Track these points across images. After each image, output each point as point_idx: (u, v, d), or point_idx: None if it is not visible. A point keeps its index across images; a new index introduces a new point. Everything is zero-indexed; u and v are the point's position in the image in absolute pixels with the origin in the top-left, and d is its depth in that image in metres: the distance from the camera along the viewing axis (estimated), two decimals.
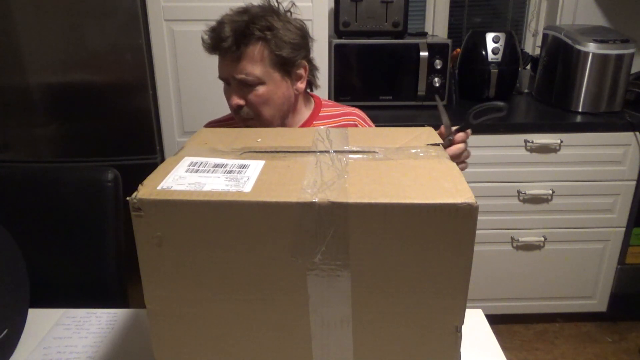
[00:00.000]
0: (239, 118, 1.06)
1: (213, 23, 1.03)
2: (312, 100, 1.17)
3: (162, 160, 1.79)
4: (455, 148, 0.91)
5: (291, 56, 1.02)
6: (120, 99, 1.84)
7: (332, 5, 2.00)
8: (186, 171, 0.58)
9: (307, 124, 1.12)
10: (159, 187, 0.54)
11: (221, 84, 1.06)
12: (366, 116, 1.18)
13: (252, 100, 1.01)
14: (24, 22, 1.75)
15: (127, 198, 0.52)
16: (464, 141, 0.92)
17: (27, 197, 1.22)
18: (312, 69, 1.12)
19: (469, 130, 0.93)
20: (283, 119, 1.08)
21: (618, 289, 2.06)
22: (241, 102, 1.02)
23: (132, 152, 1.89)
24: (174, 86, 1.89)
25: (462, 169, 0.92)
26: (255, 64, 0.99)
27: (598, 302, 2.09)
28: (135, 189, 0.54)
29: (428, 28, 2.42)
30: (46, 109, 1.85)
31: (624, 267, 2.03)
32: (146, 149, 1.90)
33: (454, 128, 0.92)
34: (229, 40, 0.96)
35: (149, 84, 1.84)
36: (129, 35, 1.77)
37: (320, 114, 1.13)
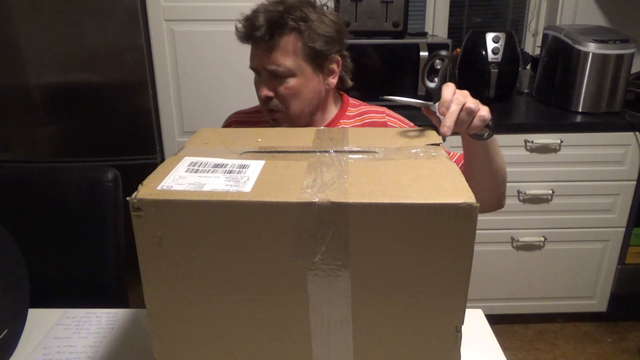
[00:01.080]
0: (266, 110, 1.04)
1: (248, 13, 1.01)
2: (341, 98, 1.14)
3: (162, 160, 1.79)
4: (457, 102, 0.78)
5: (324, 49, 0.99)
6: (120, 99, 1.84)
7: (332, 5, 2.00)
8: (186, 171, 0.58)
9: (334, 122, 1.10)
10: (159, 187, 0.54)
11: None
12: (393, 112, 1.14)
13: (282, 93, 0.99)
14: (24, 22, 1.75)
15: (127, 198, 0.52)
16: (453, 93, 0.79)
17: (27, 197, 1.22)
18: (346, 65, 1.09)
19: (449, 85, 0.80)
20: (312, 115, 1.05)
21: (618, 289, 2.06)
22: (270, 93, 1.00)
23: (132, 152, 1.89)
24: (174, 86, 1.89)
25: (485, 119, 0.80)
26: (288, 55, 0.97)
27: (598, 302, 2.09)
28: (135, 189, 0.54)
29: (428, 28, 2.42)
30: (46, 109, 1.85)
31: (624, 267, 2.03)
32: (146, 149, 1.90)
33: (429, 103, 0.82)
34: (263, 29, 0.95)
35: (149, 84, 1.84)
36: (129, 35, 1.77)
37: (347, 113, 1.11)
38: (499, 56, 2.02)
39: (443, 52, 0.80)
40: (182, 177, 0.56)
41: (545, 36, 2.10)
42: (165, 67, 1.87)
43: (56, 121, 1.86)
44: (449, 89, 0.79)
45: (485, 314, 0.97)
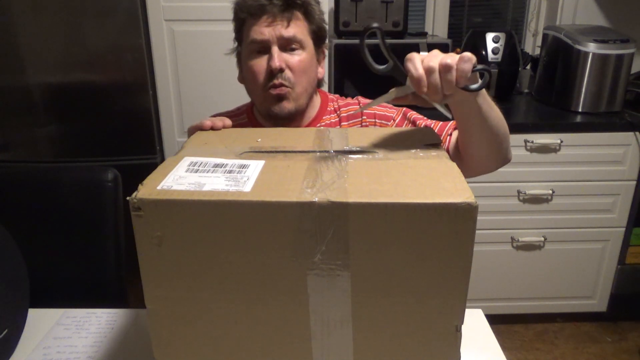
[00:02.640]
0: (270, 88, 0.99)
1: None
2: (318, 93, 1.15)
3: (162, 160, 1.79)
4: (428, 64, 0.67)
5: (323, 30, 1.04)
6: (120, 99, 1.84)
7: (332, 5, 2.00)
8: (186, 171, 0.58)
9: (318, 117, 1.10)
10: (159, 187, 0.54)
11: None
12: (367, 99, 1.15)
13: (294, 66, 0.99)
14: (24, 22, 1.75)
15: (127, 198, 0.52)
16: (421, 62, 0.68)
17: (27, 197, 1.22)
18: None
19: (412, 57, 0.68)
20: (308, 100, 1.05)
21: (618, 289, 2.06)
22: (283, 64, 0.99)
23: (132, 152, 1.89)
24: (174, 86, 1.89)
25: (470, 59, 0.68)
26: (301, 28, 1.00)
27: (598, 302, 2.09)
28: (135, 189, 0.54)
29: (428, 28, 2.42)
30: (46, 109, 1.85)
31: (624, 267, 2.03)
32: (146, 149, 1.90)
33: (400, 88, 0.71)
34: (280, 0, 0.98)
35: (149, 84, 1.84)
36: (129, 35, 1.77)
37: (327, 108, 1.12)
38: (499, 56, 2.02)
39: (374, 25, 0.65)
40: (182, 177, 0.56)
41: (545, 36, 2.10)
42: (165, 67, 1.87)
43: (56, 121, 1.86)
44: (413, 61, 0.67)
45: (485, 314, 0.97)
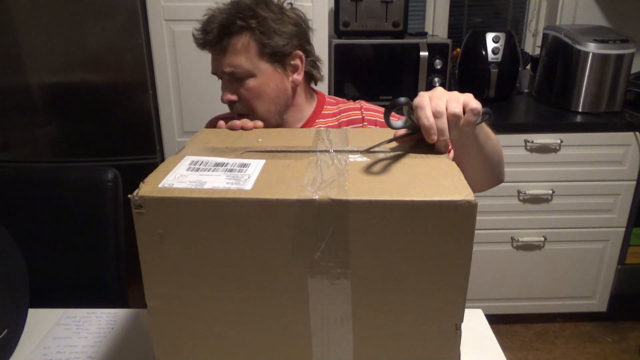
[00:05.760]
0: (234, 114, 1.02)
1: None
2: (316, 96, 1.12)
3: (162, 160, 1.79)
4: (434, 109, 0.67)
5: (281, 44, 0.98)
6: (120, 99, 1.84)
7: (332, 5, 2.01)
8: (187, 169, 0.58)
9: (310, 121, 1.07)
10: (160, 185, 0.54)
11: (220, 84, 1.03)
12: (370, 104, 1.11)
13: (244, 95, 0.98)
14: (24, 22, 1.75)
15: (129, 195, 0.52)
16: (431, 113, 0.67)
17: (27, 197, 1.22)
18: (313, 60, 1.07)
19: (422, 106, 0.67)
20: (281, 114, 1.03)
21: (618, 289, 2.06)
22: (233, 97, 0.98)
23: (132, 152, 1.89)
24: (174, 86, 1.89)
25: (477, 110, 0.69)
26: (241, 56, 0.96)
27: (598, 302, 2.09)
28: (135, 189, 0.54)
29: (428, 28, 2.42)
30: (46, 109, 1.85)
31: (624, 267, 2.03)
32: (146, 149, 1.90)
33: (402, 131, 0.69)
34: (214, 32, 0.95)
35: (149, 84, 1.84)
36: (129, 35, 1.78)
37: (323, 112, 1.09)
38: (499, 56, 2.03)
39: (402, 100, 0.64)
40: (184, 176, 0.57)
41: (545, 36, 2.11)
42: (165, 67, 1.87)
43: (56, 121, 1.86)
44: (424, 110, 0.66)
45: (485, 314, 0.97)
